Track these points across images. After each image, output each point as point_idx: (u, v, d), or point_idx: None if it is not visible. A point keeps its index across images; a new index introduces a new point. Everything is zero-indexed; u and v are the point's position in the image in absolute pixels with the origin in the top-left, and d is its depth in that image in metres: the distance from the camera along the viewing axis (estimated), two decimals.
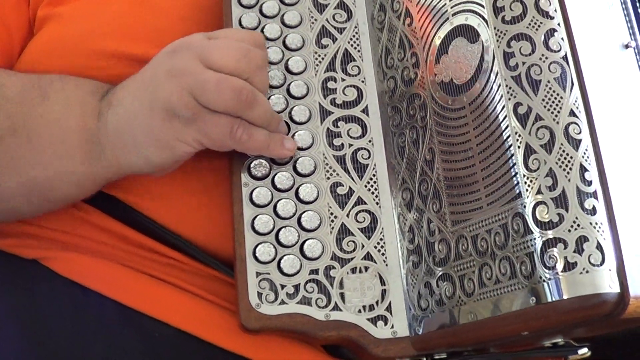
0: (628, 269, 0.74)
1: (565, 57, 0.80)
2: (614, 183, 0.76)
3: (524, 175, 0.78)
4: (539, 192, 0.77)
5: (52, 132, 0.91)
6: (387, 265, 0.88)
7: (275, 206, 0.89)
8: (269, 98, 0.91)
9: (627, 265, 0.74)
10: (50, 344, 0.90)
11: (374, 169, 0.91)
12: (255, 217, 0.88)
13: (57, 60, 0.97)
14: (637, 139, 0.80)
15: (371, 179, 0.91)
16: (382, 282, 0.88)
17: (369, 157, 0.91)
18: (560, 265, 0.75)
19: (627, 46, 0.84)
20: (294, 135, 0.91)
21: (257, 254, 0.87)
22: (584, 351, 0.86)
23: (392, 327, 0.87)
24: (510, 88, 0.80)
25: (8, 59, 1.01)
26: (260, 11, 0.96)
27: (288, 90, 0.93)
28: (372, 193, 0.90)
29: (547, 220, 0.76)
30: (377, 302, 0.87)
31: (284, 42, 0.95)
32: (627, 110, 0.81)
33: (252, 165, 0.90)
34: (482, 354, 0.88)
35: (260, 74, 0.86)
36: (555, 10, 0.81)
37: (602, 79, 0.80)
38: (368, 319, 0.87)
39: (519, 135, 0.79)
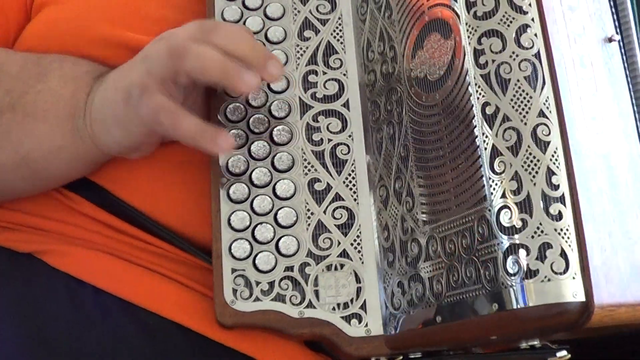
0: (594, 277, 0.72)
1: (537, 55, 0.77)
2: (584, 187, 0.73)
3: (490, 178, 0.76)
4: (503, 195, 0.75)
5: (46, 107, 0.93)
6: (363, 262, 0.88)
7: (252, 202, 0.89)
8: None
9: (592, 273, 0.72)
10: (48, 336, 0.92)
11: (352, 164, 0.90)
12: (232, 213, 0.88)
13: (53, 45, 0.99)
14: (615, 139, 0.77)
15: (350, 174, 0.90)
16: (358, 280, 0.87)
17: (348, 153, 0.90)
18: (522, 272, 0.73)
19: (610, 40, 0.80)
20: (272, 130, 0.91)
21: (232, 250, 0.87)
22: (563, 354, 0.84)
23: (366, 325, 0.86)
24: (479, 87, 0.78)
25: (4, 43, 1.03)
26: (243, 3, 0.95)
27: (268, 84, 0.92)
28: (351, 189, 0.89)
29: (510, 225, 0.74)
30: (351, 300, 0.87)
31: (265, 36, 0.94)
32: (607, 109, 0.78)
33: (230, 161, 0.90)
34: (459, 353, 0.87)
35: (215, 32, 0.83)
36: (530, 5, 0.78)
37: (578, 76, 0.77)
38: (342, 317, 0.86)
39: (487, 137, 0.77)
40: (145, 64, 0.86)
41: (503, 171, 0.75)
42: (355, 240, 0.88)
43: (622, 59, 0.80)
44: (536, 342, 0.84)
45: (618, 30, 0.81)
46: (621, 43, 0.81)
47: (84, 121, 0.92)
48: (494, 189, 0.75)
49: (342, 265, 0.88)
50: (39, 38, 1.01)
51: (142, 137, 0.89)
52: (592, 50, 0.79)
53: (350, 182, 0.90)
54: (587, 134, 0.75)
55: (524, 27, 0.77)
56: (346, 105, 0.92)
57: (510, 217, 0.74)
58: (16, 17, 1.04)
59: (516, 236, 0.73)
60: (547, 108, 0.75)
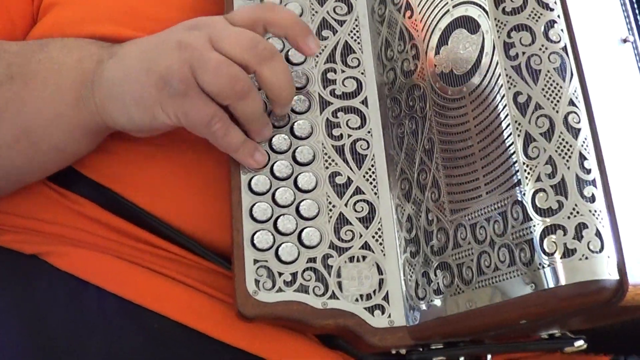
0: (627, 256, 0.74)
1: (564, 48, 0.80)
2: (613, 171, 0.77)
3: (524, 163, 0.78)
4: (538, 179, 0.77)
5: (47, 74, 0.91)
6: (384, 254, 0.88)
7: (273, 194, 0.89)
8: None
9: (625, 252, 0.74)
10: (50, 337, 0.90)
11: (372, 159, 0.92)
12: (254, 204, 0.88)
13: None
14: (634, 129, 0.81)
15: (369, 169, 0.91)
16: (380, 272, 0.88)
17: (367, 148, 0.92)
18: (559, 252, 0.75)
19: (625, 40, 0.85)
20: (293, 124, 0.92)
21: (255, 241, 0.87)
22: (580, 343, 0.87)
23: (389, 316, 0.87)
24: (510, 77, 0.81)
25: None
26: (262, 2, 0.96)
27: None
28: (371, 183, 0.91)
29: (546, 207, 0.76)
30: (374, 292, 0.87)
31: None
32: (625, 103, 0.82)
33: None
34: (477, 344, 0.88)
35: (268, 65, 0.85)
36: (555, 2, 0.82)
37: (601, 71, 0.81)
38: (365, 308, 0.87)
39: (519, 124, 0.79)
40: (184, 54, 0.84)
41: (537, 156, 0.78)
42: (376, 233, 0.89)
43: (636, 59, 0.85)
44: (556, 332, 0.86)
45: (630, 32, 0.86)
46: (634, 44, 0.86)
47: (92, 90, 0.90)
48: (528, 173, 0.78)
49: (364, 257, 0.88)
50: (43, 38, 1.00)
51: (164, 124, 0.88)
52: (611, 48, 0.84)
53: (370, 176, 0.91)
54: (612, 123, 0.79)
55: (552, 23, 0.81)
56: (365, 102, 0.94)
57: (546, 200, 0.76)
58: (22, 22, 1.03)
59: (553, 217, 0.76)
60: (576, 98, 0.79)
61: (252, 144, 0.89)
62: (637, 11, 0.87)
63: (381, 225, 0.89)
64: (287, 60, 0.94)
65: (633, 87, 0.83)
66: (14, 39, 1.01)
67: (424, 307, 0.85)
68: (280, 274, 0.86)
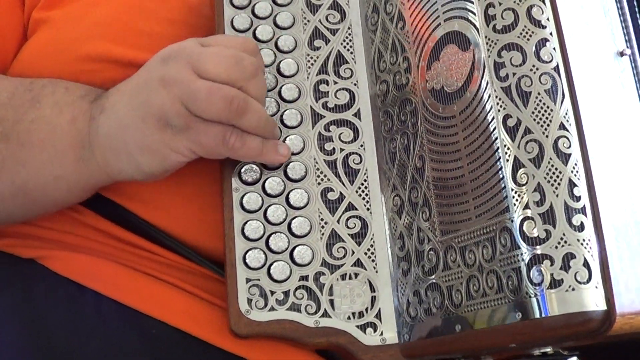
0: (615, 286, 0.73)
1: (556, 68, 0.78)
2: (604, 199, 0.75)
3: (512, 189, 0.77)
4: (526, 207, 0.76)
5: (43, 136, 0.92)
6: (377, 272, 0.88)
7: (265, 212, 0.89)
8: None
9: (614, 282, 0.73)
10: (48, 341, 0.91)
11: (365, 174, 0.91)
12: (246, 222, 0.88)
13: (49, 64, 0.98)
14: (629, 151, 0.79)
15: (362, 184, 0.90)
16: (372, 289, 0.88)
17: (360, 162, 0.91)
18: (546, 282, 0.74)
19: (622, 54, 0.82)
20: (285, 140, 0.91)
21: (247, 260, 0.87)
22: None
23: (382, 334, 0.87)
24: (500, 99, 0.79)
25: (1, 64, 1.01)
26: (253, 12, 0.95)
27: (279, 94, 0.92)
28: (363, 199, 0.90)
29: (534, 236, 0.75)
30: (366, 309, 0.87)
31: (275, 44, 0.94)
32: (621, 122, 0.80)
33: (242, 170, 0.90)
34: None
35: (254, 82, 0.85)
36: (548, 19, 0.79)
37: (595, 89, 0.79)
38: (357, 326, 0.87)
39: (508, 149, 0.78)
40: (172, 90, 0.84)
41: (526, 182, 0.76)
42: (369, 250, 0.89)
43: (633, 73, 0.83)
44: (548, 349, 0.86)
45: (628, 45, 0.83)
46: (632, 57, 0.83)
47: (91, 151, 0.91)
48: (516, 200, 0.77)
49: (356, 275, 0.88)
50: (35, 58, 0.99)
51: (177, 163, 0.89)
52: (607, 64, 0.81)
53: (362, 191, 0.90)
54: (605, 146, 0.77)
55: (543, 41, 0.79)
56: (357, 115, 0.92)
57: (534, 228, 0.75)
58: (14, 37, 1.02)
59: (540, 246, 0.75)
60: (567, 121, 0.77)
61: (270, 142, 0.89)
62: (638, 21, 0.84)
63: (373, 242, 0.89)
64: (279, 72, 0.93)
65: (629, 104, 0.81)
66: (6, 54, 1.01)
67: (415, 325, 0.85)
68: (272, 293, 0.87)
